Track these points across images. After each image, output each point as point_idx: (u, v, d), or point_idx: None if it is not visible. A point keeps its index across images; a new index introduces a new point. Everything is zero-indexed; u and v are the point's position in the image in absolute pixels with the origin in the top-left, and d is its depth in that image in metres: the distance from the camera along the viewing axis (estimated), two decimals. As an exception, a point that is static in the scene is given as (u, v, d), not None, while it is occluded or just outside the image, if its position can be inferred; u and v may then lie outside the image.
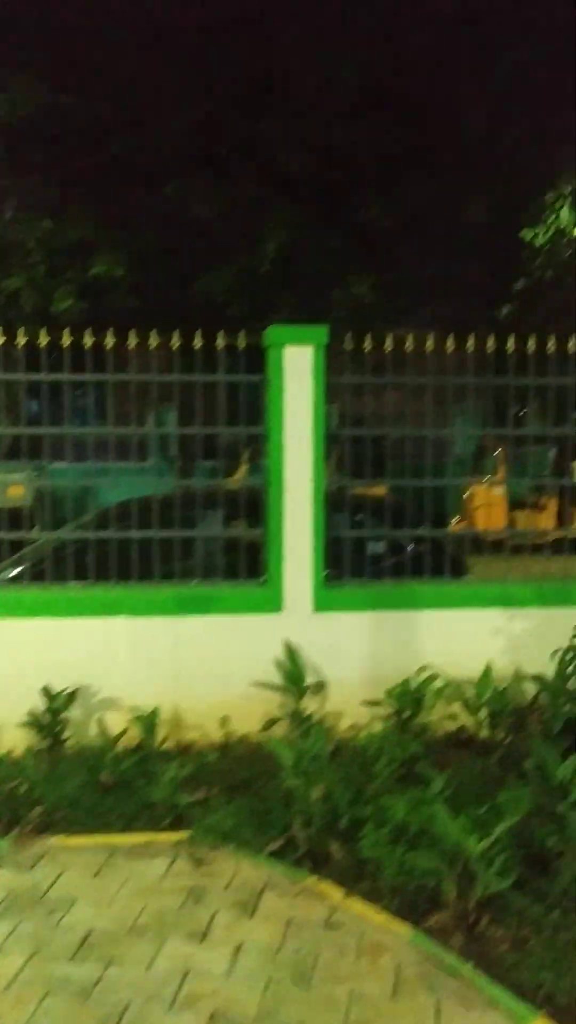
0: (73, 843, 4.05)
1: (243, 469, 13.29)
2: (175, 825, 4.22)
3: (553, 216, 17.30)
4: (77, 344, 5.08)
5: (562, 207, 17.22)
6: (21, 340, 5.09)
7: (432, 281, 13.11)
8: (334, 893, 3.64)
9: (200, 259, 11.55)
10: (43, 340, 5.11)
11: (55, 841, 4.06)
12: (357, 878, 3.78)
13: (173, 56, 10.95)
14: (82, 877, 3.75)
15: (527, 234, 17.28)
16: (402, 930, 3.40)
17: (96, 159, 11.08)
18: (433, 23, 10.92)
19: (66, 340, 5.08)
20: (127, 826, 4.25)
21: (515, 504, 11.12)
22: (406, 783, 4.39)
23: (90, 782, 4.57)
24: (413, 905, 3.58)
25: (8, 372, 5.26)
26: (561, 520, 11.77)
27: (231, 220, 11.29)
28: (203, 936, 3.32)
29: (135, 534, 5.29)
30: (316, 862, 3.88)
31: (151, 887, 3.67)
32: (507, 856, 3.50)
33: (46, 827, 4.20)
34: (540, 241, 17.35)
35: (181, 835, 4.09)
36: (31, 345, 5.15)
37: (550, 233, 17.18)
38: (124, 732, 4.84)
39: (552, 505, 12.61)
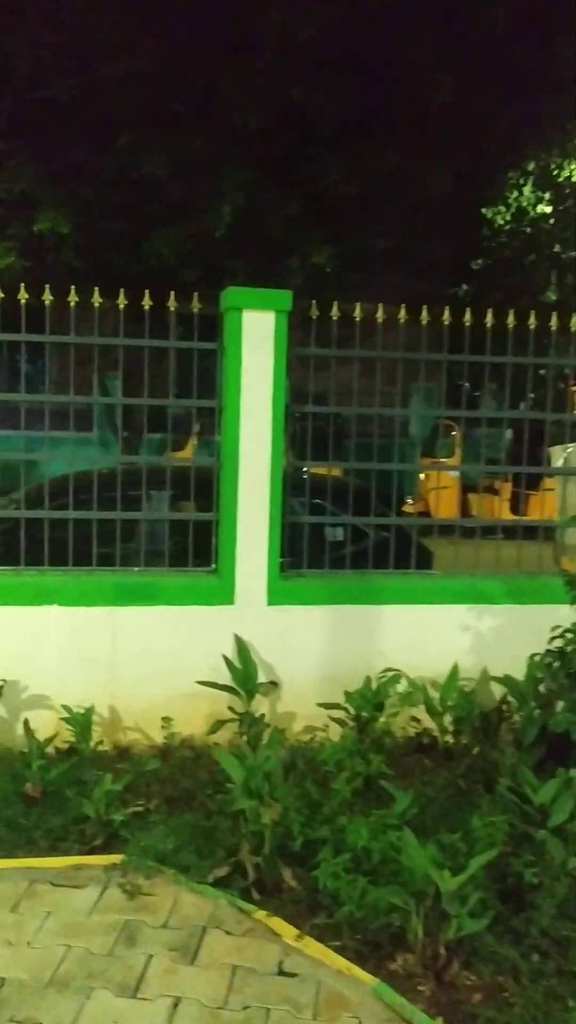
0: (-11, 867, 3.56)
1: (192, 443, 12.77)
2: (109, 844, 3.76)
3: (515, 194, 17.01)
4: (15, 303, 4.53)
5: (524, 185, 16.94)
6: None
7: (391, 255, 12.65)
8: (286, 931, 3.22)
9: (152, 219, 10.91)
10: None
11: (-32, 865, 3.57)
12: (312, 910, 3.36)
13: (126, 2, 10.24)
14: (-3, 911, 3.27)
15: (488, 212, 16.98)
16: (364, 978, 2.99)
17: (42, 108, 10.34)
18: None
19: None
20: (54, 845, 3.77)
21: (469, 487, 10.81)
22: (366, 798, 3.99)
23: (14, 792, 4.08)
24: (375, 945, 3.18)
25: None
26: (515, 505, 11.56)
27: (185, 179, 10.65)
28: (135, 988, 2.86)
29: (71, 514, 4.77)
30: (266, 891, 3.46)
31: (77, 924, 3.20)
32: (482, 894, 3.12)
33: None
34: (502, 220, 17.06)
35: (115, 858, 3.62)
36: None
37: (512, 211, 16.89)
38: (54, 736, 4.35)
39: (506, 490, 12.39)
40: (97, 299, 4.65)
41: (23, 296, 4.57)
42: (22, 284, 4.57)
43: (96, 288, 4.64)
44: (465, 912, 3.05)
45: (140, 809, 4.02)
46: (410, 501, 9.74)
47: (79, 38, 10.34)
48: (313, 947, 3.14)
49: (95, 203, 10.76)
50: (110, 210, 10.93)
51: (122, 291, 4.65)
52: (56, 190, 10.39)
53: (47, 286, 4.62)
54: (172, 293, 4.73)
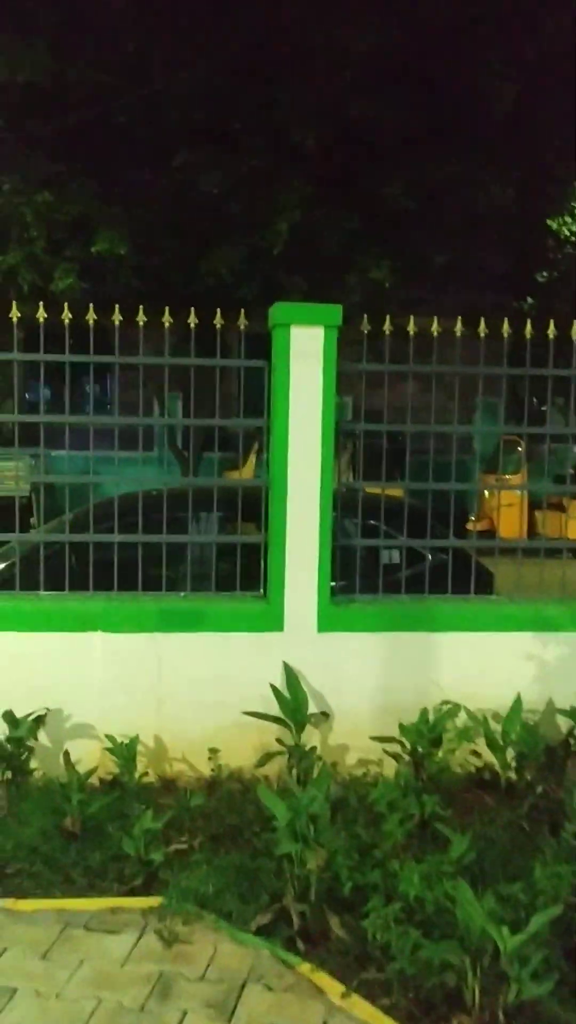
0: (23, 908, 3.41)
1: (251, 463, 12.68)
2: (149, 884, 3.59)
3: (580, 204, 16.55)
4: (75, 324, 4.49)
5: (590, 194, 16.46)
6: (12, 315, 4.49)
7: (453, 268, 12.39)
8: (332, 988, 3.00)
9: (208, 238, 10.84)
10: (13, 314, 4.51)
11: (1, 905, 3.42)
12: (361, 963, 3.14)
13: (181, 21, 10.22)
14: (27, 957, 3.11)
15: (554, 223, 16.56)
16: (415, 1044, 2.76)
17: (99, 129, 10.37)
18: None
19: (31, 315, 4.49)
20: (92, 884, 3.62)
21: (535, 505, 10.45)
22: (422, 839, 3.75)
23: (54, 826, 3.94)
24: (429, 1004, 2.94)
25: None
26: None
27: (241, 197, 10.56)
28: (168, 1049, 2.68)
29: (115, 538, 4.65)
30: (312, 941, 3.24)
31: (110, 974, 3.03)
32: (546, 953, 2.86)
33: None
34: (568, 231, 16.63)
35: (154, 900, 3.45)
36: (27, 326, 4.56)
37: (578, 221, 16.45)
38: (93, 770, 4.20)
39: (575, 507, 11.98)
40: (142, 318, 4.54)
41: (66, 316, 4.48)
42: (65, 304, 4.49)
43: (140, 307, 4.54)
44: (526, 973, 2.80)
45: (183, 847, 3.85)
46: (473, 519, 9.44)
47: (136, 58, 10.36)
48: (360, 1007, 2.91)
49: (152, 223, 10.73)
50: (167, 230, 10.89)
51: (167, 309, 4.56)
52: (113, 211, 10.39)
53: (90, 306, 4.54)
54: (218, 311, 4.61)
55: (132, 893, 3.53)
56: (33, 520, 7.68)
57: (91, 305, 4.57)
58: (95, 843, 3.83)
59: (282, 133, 10.37)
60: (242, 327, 4.63)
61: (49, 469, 4.90)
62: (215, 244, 10.83)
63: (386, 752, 4.39)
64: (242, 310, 4.64)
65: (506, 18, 10.68)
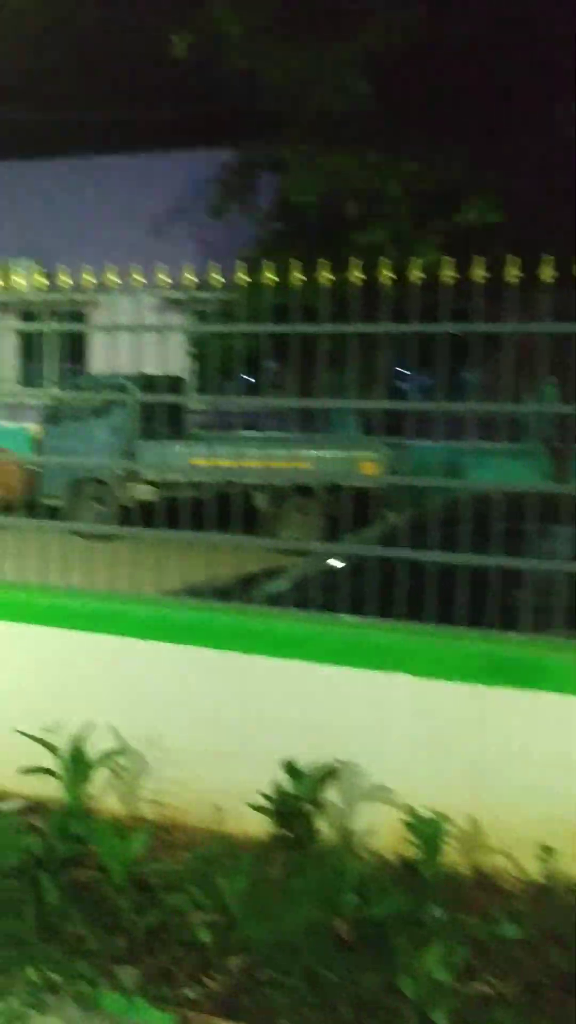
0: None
1: None
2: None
3: None
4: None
5: None
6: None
7: None
8: None
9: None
10: (355, 273, 3.71)
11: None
12: None
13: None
14: None
15: None
16: None
17: (473, 89, 9.34)
18: None
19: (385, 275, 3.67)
20: (359, 1020, 2.71)
21: None
22: None
23: (324, 923, 3.08)
24: None
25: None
26: None
27: None
28: None
29: (432, 555, 3.67)
30: None
31: None
32: None
33: (229, 999, 2.80)
34: None
35: None
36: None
37: None
38: (373, 873, 3.27)
39: None
40: (513, 273, 3.51)
41: (417, 272, 3.63)
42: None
43: (507, 257, 3.53)
44: None
45: (488, 991, 2.80)
46: None
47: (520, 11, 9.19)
48: None
49: (529, 189, 9.51)
50: (547, 196, 9.59)
51: (551, 261, 3.48)
52: (485, 177, 9.34)
53: (440, 259, 3.63)
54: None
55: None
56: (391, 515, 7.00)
57: (441, 259, 3.64)
58: (373, 959, 2.91)
59: None
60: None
61: (405, 461, 4.13)
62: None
63: None
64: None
65: None
